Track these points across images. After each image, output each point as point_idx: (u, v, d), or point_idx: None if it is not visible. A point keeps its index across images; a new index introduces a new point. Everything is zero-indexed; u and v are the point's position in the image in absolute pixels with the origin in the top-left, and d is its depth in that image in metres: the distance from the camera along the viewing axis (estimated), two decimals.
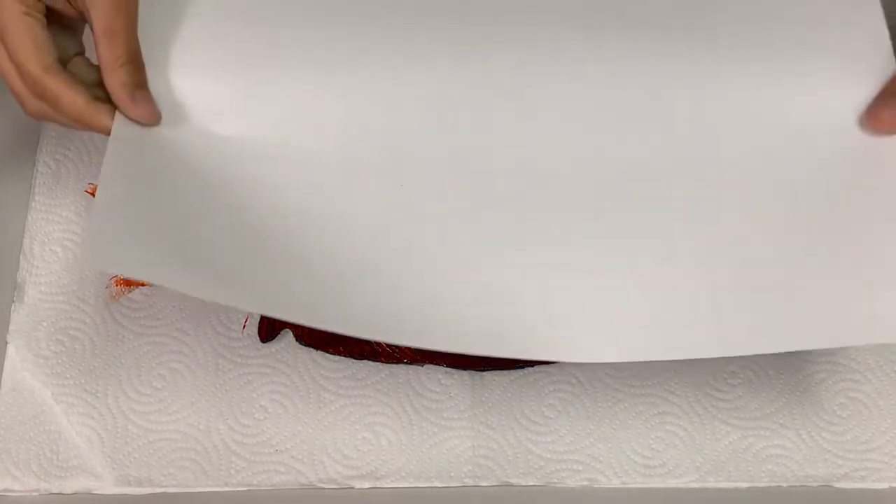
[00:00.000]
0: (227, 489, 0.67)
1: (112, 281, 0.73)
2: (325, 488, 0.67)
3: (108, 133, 0.64)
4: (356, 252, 0.64)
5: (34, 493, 0.67)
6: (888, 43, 0.69)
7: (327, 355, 0.71)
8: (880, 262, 0.63)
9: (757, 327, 0.62)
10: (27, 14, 0.63)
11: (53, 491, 0.67)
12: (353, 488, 0.67)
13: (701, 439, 0.69)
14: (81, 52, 0.67)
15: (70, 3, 0.65)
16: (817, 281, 0.63)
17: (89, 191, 0.76)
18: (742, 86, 0.68)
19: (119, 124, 0.64)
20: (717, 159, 0.67)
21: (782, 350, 0.62)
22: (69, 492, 0.67)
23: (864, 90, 0.68)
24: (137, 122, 0.65)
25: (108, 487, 0.67)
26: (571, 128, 0.67)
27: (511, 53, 0.69)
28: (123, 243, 0.60)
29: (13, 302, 0.72)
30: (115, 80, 0.64)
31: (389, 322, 0.62)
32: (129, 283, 0.73)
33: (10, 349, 0.71)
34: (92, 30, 0.64)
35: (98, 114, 0.64)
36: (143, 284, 0.73)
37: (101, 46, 0.64)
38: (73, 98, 0.64)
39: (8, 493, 0.67)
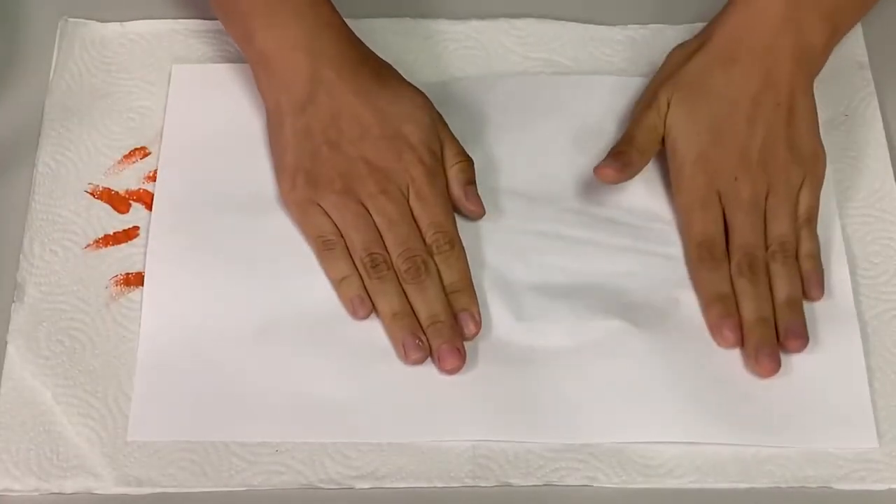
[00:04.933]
0: (227, 490, 0.67)
1: (112, 281, 0.73)
2: (325, 489, 0.67)
3: None
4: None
5: (34, 493, 0.67)
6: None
7: None
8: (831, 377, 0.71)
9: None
10: None
11: (53, 491, 0.67)
12: (353, 489, 0.67)
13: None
14: None
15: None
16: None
17: (89, 191, 0.76)
18: None
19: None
20: None
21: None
22: (69, 492, 0.67)
23: None
24: (467, 218, 0.75)
25: (108, 487, 0.67)
26: None
27: None
28: (161, 416, 0.69)
29: (13, 302, 0.72)
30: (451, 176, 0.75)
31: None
32: (128, 283, 0.73)
33: (11, 349, 0.70)
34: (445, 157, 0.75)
35: None
36: (142, 286, 0.73)
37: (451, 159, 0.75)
38: None
39: (8, 493, 0.67)
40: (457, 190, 0.75)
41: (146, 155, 0.78)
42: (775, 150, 0.74)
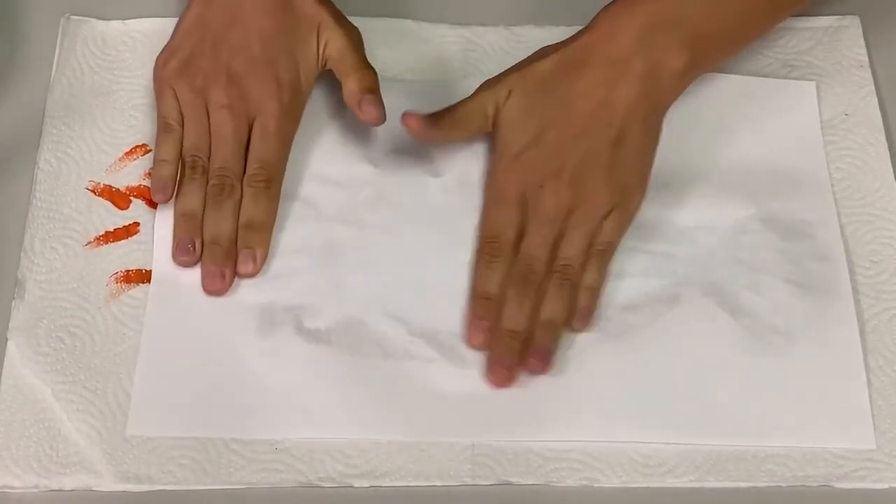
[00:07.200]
0: (226, 487, 0.67)
1: (112, 279, 0.73)
2: (324, 487, 0.67)
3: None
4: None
5: (34, 490, 0.67)
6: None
7: None
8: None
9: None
10: None
11: (53, 488, 0.67)
12: (352, 487, 0.67)
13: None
14: None
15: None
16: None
17: (90, 188, 0.76)
18: None
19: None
20: None
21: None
22: (69, 489, 0.67)
23: None
24: (366, 122, 0.76)
25: (108, 484, 0.67)
26: None
27: None
28: (161, 411, 0.69)
29: (14, 299, 0.72)
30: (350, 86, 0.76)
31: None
32: (129, 281, 0.73)
33: (11, 346, 0.70)
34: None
35: None
36: (142, 282, 0.73)
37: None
38: None
39: (7, 490, 0.67)
40: (351, 99, 0.76)
41: (147, 152, 0.78)
42: (592, 170, 0.72)
